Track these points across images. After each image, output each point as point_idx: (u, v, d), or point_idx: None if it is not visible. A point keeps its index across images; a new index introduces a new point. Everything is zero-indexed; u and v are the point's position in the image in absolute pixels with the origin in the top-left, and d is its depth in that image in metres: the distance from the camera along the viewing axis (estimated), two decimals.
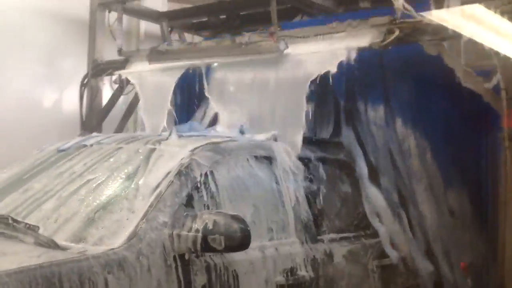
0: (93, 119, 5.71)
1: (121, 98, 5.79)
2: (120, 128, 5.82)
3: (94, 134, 4.27)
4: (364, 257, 3.93)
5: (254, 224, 3.30)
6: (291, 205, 3.60)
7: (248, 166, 3.51)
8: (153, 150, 3.45)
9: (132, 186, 3.16)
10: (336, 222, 3.95)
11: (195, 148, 3.35)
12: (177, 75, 4.90)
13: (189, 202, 3.10)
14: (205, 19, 6.03)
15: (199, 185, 3.18)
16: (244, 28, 5.33)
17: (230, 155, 3.45)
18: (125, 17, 5.80)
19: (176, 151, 3.35)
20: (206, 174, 3.24)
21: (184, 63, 4.85)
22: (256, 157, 3.59)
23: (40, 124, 5.92)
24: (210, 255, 3.01)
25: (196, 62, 4.78)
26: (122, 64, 5.46)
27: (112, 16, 5.68)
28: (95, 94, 5.74)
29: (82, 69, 5.84)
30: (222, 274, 3.05)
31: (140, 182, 3.16)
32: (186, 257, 2.93)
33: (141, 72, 5.23)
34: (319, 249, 3.63)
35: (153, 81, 5.12)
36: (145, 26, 6.87)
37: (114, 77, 5.56)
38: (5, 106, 5.77)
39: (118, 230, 2.85)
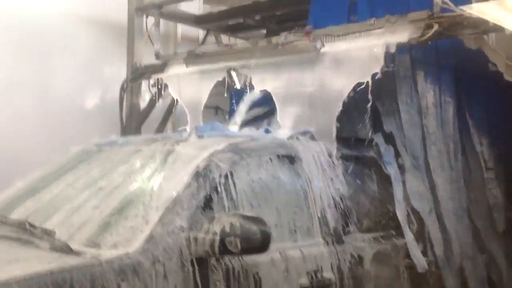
0: (132, 122, 5.74)
1: (160, 101, 5.79)
2: (159, 131, 5.84)
3: (113, 136, 4.23)
4: (395, 258, 3.78)
5: (276, 226, 3.19)
6: (316, 206, 3.47)
7: (270, 166, 3.39)
8: (171, 151, 3.37)
9: (149, 189, 3.09)
10: (364, 222, 3.80)
11: (214, 149, 3.25)
12: (214, 77, 4.88)
13: (208, 204, 3.00)
14: (241, 20, 5.97)
15: (218, 187, 3.07)
16: (280, 28, 5.24)
17: (250, 156, 3.33)
18: (162, 21, 5.82)
19: (194, 152, 3.26)
20: (225, 176, 3.13)
21: (221, 66, 4.82)
22: (278, 156, 3.47)
23: (82, 128, 5.95)
24: (229, 258, 2.90)
25: (233, 64, 4.74)
26: (160, 68, 5.48)
27: (150, 20, 5.71)
28: (134, 98, 5.78)
29: (122, 73, 5.88)
30: (243, 277, 2.94)
31: (156, 185, 3.09)
32: (205, 260, 2.83)
33: (178, 75, 5.22)
34: (346, 250, 3.49)
35: (190, 83, 5.10)
36: (182, 29, 6.90)
37: (152, 81, 5.57)
38: (48, 110, 5.90)
39: (133, 235, 2.77)
